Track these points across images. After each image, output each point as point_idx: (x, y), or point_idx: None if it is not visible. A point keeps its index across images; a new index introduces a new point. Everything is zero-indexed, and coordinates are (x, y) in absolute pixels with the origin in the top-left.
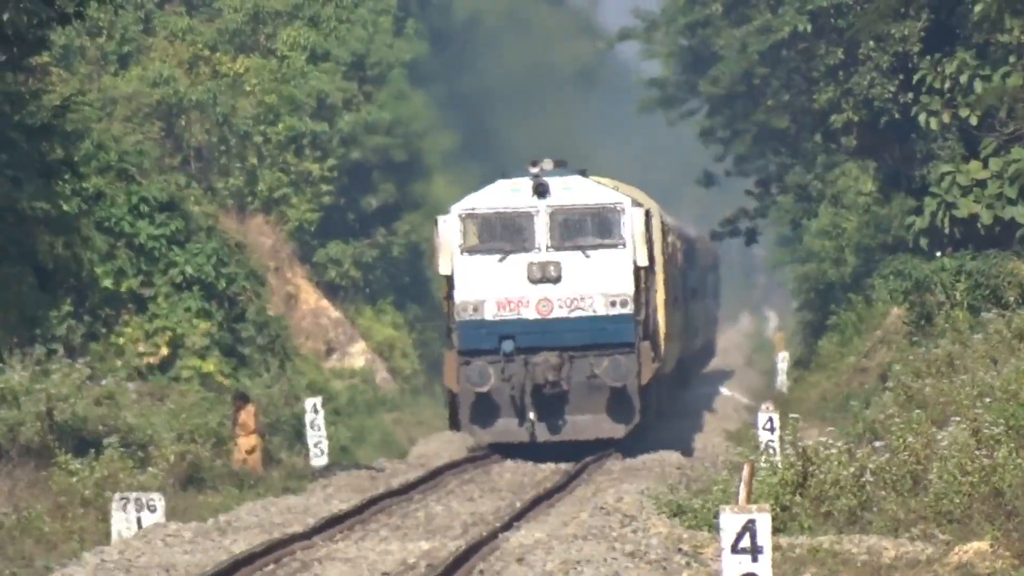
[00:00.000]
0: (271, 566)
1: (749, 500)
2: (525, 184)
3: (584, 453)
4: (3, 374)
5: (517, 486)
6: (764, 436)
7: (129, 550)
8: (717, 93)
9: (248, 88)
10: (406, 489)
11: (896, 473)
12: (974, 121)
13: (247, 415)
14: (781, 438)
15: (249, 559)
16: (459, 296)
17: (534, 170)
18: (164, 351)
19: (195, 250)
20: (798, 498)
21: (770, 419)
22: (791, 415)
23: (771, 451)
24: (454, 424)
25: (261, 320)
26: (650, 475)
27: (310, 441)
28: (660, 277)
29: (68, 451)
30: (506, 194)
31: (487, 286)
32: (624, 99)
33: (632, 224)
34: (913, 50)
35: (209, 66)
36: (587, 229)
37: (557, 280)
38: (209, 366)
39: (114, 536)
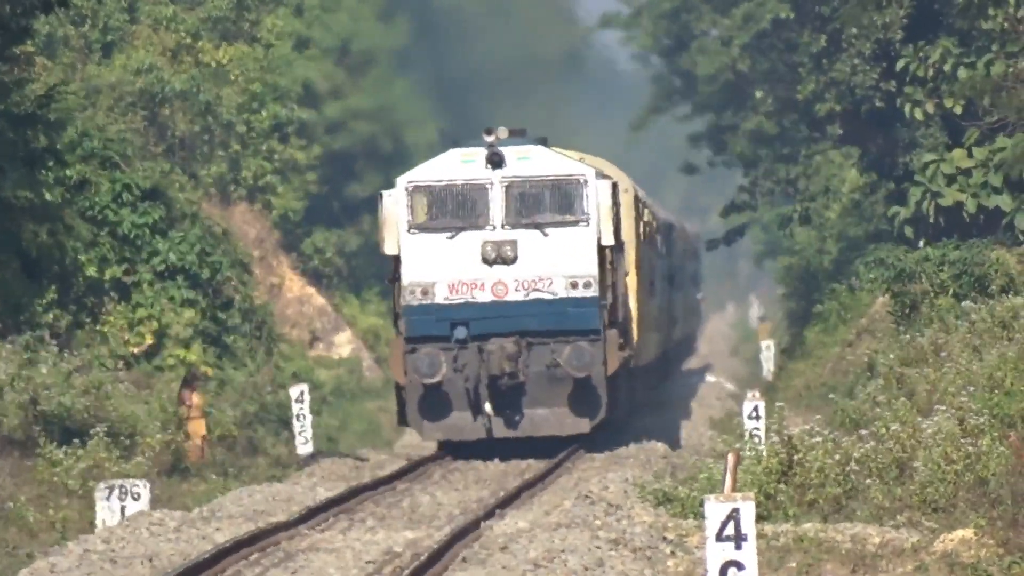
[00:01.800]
0: (256, 555)
1: (734, 489)
2: (479, 154)
3: (545, 450)
4: None
5: (501, 475)
6: (749, 424)
7: (113, 539)
8: (705, 92)
9: (232, 77)
10: (391, 478)
11: (881, 461)
12: (958, 110)
13: (199, 397)
14: (766, 426)
15: (234, 548)
16: (406, 278)
17: (488, 138)
18: (148, 340)
19: (179, 238)
20: (783, 486)
21: (755, 407)
22: (776, 403)
23: (756, 439)
24: (401, 419)
25: (246, 308)
26: (635, 463)
27: (295, 429)
28: (632, 258)
29: (52, 440)
30: (457, 165)
31: (437, 267)
32: (606, 85)
33: (597, 198)
34: (895, 37)
35: (192, 55)
36: (546, 204)
37: (513, 260)
38: (193, 355)
39: (98, 525)
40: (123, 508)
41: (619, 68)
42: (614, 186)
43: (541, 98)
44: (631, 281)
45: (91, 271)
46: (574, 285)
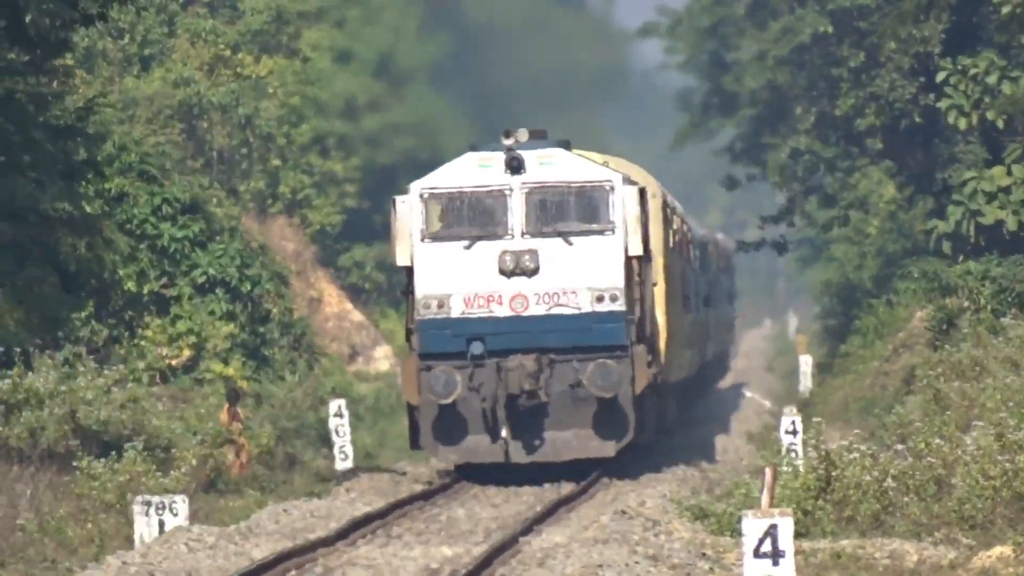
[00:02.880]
0: (294, 571)
1: (772, 504)
2: (497, 158)
3: (568, 476)
4: (27, 376)
5: (539, 490)
6: (787, 440)
7: (151, 554)
8: (746, 113)
9: (271, 90)
10: (429, 494)
11: (919, 478)
12: (1001, 124)
13: (241, 414)
14: (804, 442)
15: (272, 564)
16: (420, 290)
17: (507, 142)
18: (187, 353)
19: (218, 252)
20: (821, 502)
21: (793, 422)
22: (814, 419)
23: (794, 455)
24: (414, 442)
25: (285, 322)
26: (672, 479)
27: (334, 444)
28: (660, 268)
29: (91, 454)
30: (474, 170)
31: (452, 278)
32: (645, 99)
33: (624, 205)
34: (934, 51)
35: (231, 67)
36: (569, 211)
37: (534, 271)
38: (231, 369)
39: (136, 540)
40: (161, 523)
41: (658, 81)
42: (642, 192)
43: (579, 111)
44: (659, 293)
45: (130, 285)
46: (599, 299)
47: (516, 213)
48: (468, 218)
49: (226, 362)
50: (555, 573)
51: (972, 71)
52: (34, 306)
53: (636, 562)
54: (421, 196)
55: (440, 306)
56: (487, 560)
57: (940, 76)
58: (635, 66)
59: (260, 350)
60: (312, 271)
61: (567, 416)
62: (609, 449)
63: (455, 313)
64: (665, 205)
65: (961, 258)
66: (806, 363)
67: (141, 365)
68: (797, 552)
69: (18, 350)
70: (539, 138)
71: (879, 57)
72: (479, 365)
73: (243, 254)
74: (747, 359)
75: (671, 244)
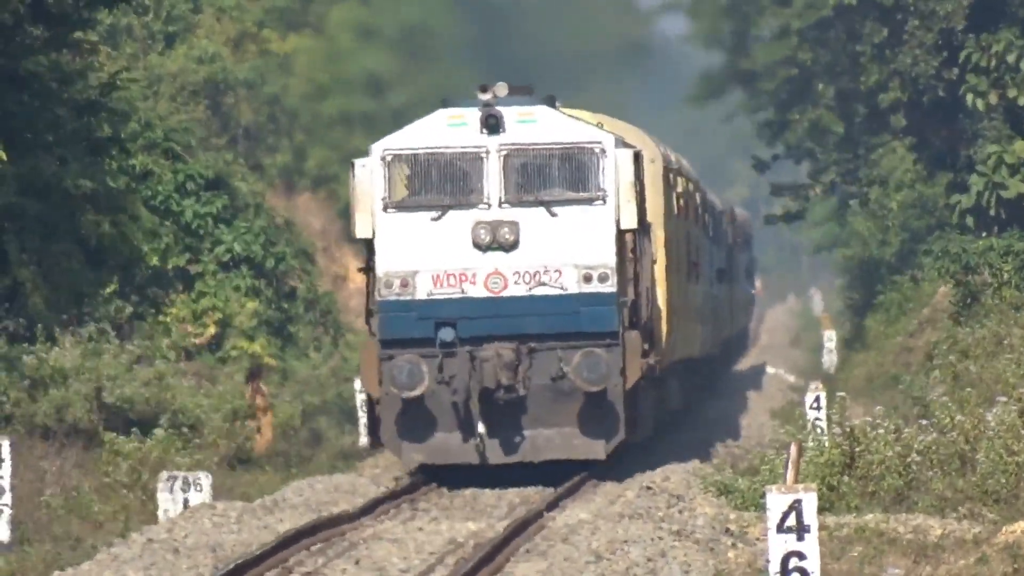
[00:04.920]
0: (319, 545)
1: (796, 480)
2: (471, 116)
3: (553, 478)
4: (53, 353)
5: (564, 465)
6: (811, 415)
7: (176, 529)
8: (765, 88)
9: (297, 67)
10: (454, 469)
11: (943, 453)
12: (1022, 101)
13: (265, 390)
14: (828, 417)
15: (296, 538)
16: (381, 267)
17: (483, 96)
18: (212, 330)
19: (242, 228)
20: (845, 477)
21: (817, 398)
22: (838, 394)
23: (818, 430)
24: (374, 439)
25: (310, 298)
26: (696, 454)
27: (360, 421)
28: (660, 243)
29: (116, 431)
30: (445, 129)
31: (419, 254)
32: (668, 73)
33: (616, 171)
34: (958, 27)
35: (257, 44)
36: (554, 177)
37: (513, 246)
38: (256, 346)
39: (161, 516)
40: (186, 499)
41: (681, 56)
42: (637, 156)
43: (602, 86)
44: (659, 270)
45: (154, 260)
46: (587, 278)
47: (493, 179)
48: (437, 184)
49: (251, 339)
50: (579, 549)
51: (993, 49)
52: (59, 282)
53: (660, 538)
54: (383, 159)
55: (404, 285)
56: (510, 535)
57: (963, 55)
58: (658, 41)
59: (285, 327)
60: (338, 247)
61: (549, 413)
62: (597, 450)
63: (421, 294)
64: (667, 171)
65: (984, 234)
66: (830, 339)
67: (166, 342)
68: (821, 527)
69: (41, 326)
70: (521, 93)
71: (902, 34)
72: (449, 354)
73: (268, 230)
74: (771, 335)
75: (675, 212)
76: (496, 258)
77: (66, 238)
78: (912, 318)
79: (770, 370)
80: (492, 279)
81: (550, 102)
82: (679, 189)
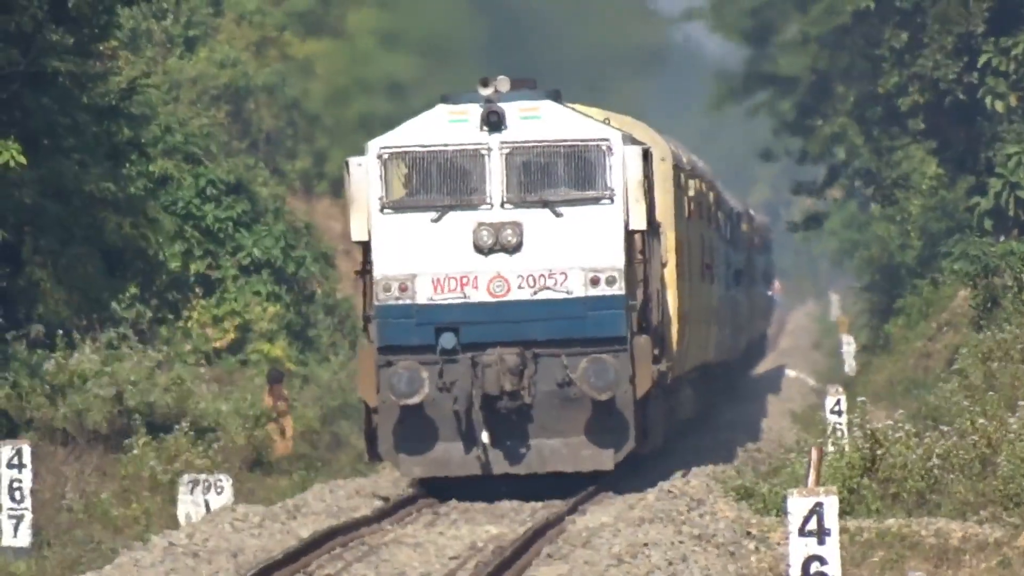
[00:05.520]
0: (339, 550)
1: (817, 483)
2: (472, 112)
3: (561, 490)
4: (73, 358)
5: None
6: (831, 419)
7: (197, 533)
8: (785, 105)
9: (318, 71)
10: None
11: (964, 457)
12: None
13: (286, 393)
14: (849, 421)
15: (317, 543)
16: (379, 270)
17: (485, 91)
18: (232, 335)
19: (262, 232)
20: (866, 481)
21: (838, 402)
22: (859, 398)
23: (839, 434)
24: (371, 451)
25: (330, 303)
26: (717, 458)
27: None
28: (671, 244)
29: (136, 435)
30: (444, 126)
31: (418, 256)
32: (687, 77)
33: (624, 169)
34: (977, 31)
35: (278, 48)
36: (559, 176)
37: (516, 248)
38: (277, 350)
39: (181, 519)
40: (206, 502)
41: (700, 59)
42: (646, 153)
43: (620, 90)
44: (670, 273)
45: (175, 264)
46: (594, 281)
47: (495, 178)
48: (437, 184)
49: (272, 343)
50: (600, 552)
51: (1013, 52)
52: (78, 287)
53: (681, 541)
54: (380, 157)
55: (403, 289)
56: (531, 539)
57: (983, 59)
58: (678, 43)
59: (305, 331)
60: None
61: (556, 421)
62: (606, 460)
63: (421, 298)
64: (678, 169)
65: (1003, 237)
66: (848, 343)
67: (187, 347)
68: (842, 531)
69: (60, 332)
70: (524, 88)
71: (921, 37)
72: (450, 360)
73: (288, 235)
74: (791, 338)
75: (687, 214)
76: (499, 261)
77: (84, 242)
78: (932, 322)
79: (791, 373)
80: (495, 283)
81: (555, 97)
82: (691, 188)
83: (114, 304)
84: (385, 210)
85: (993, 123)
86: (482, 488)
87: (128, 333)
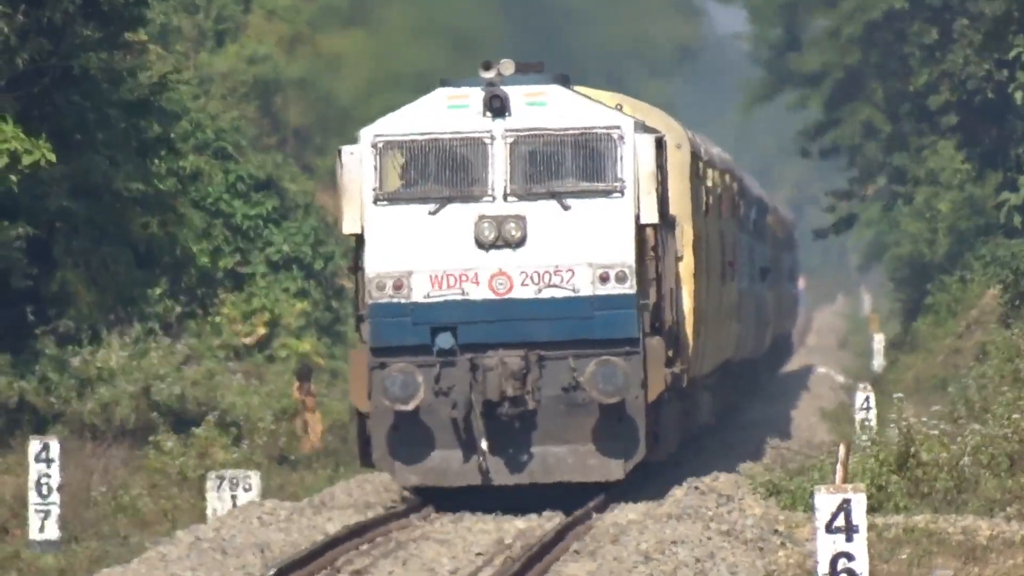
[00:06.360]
0: (366, 545)
1: (845, 480)
2: (474, 97)
3: (566, 502)
4: (100, 353)
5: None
6: (860, 415)
7: (224, 528)
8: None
9: (348, 66)
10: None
11: (992, 453)
12: None
13: (315, 389)
14: (880, 418)
15: (345, 538)
16: (372, 267)
17: (487, 75)
18: (261, 331)
19: (292, 229)
20: (896, 478)
21: (867, 399)
22: (895, 395)
23: (868, 431)
24: (364, 458)
25: None
26: (745, 454)
27: None
28: (687, 238)
29: (164, 430)
30: (444, 112)
31: (414, 252)
32: (719, 76)
33: (636, 159)
34: (1008, 28)
35: (308, 43)
36: (566, 166)
37: (520, 243)
38: (305, 346)
39: (209, 514)
40: (234, 498)
41: (732, 56)
42: (659, 142)
43: (651, 87)
44: (686, 269)
45: (204, 260)
46: (603, 278)
47: (497, 168)
48: (435, 174)
49: (300, 339)
50: (628, 549)
51: None
52: (108, 284)
53: (709, 538)
54: (374, 145)
55: (398, 287)
56: (559, 535)
57: (1012, 53)
58: (711, 41)
59: (334, 326)
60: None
61: (561, 428)
62: (615, 470)
63: (417, 296)
64: (695, 157)
65: None
66: (879, 341)
67: (216, 342)
68: (870, 527)
69: (86, 327)
70: (530, 71)
71: (952, 34)
72: (448, 363)
73: (317, 231)
74: (819, 336)
75: (705, 206)
76: (501, 256)
77: (115, 239)
78: (960, 320)
79: (820, 370)
80: (496, 280)
81: (563, 81)
82: (710, 179)
83: (144, 300)
84: (379, 202)
85: (1023, 119)
86: (481, 499)
87: (155, 328)
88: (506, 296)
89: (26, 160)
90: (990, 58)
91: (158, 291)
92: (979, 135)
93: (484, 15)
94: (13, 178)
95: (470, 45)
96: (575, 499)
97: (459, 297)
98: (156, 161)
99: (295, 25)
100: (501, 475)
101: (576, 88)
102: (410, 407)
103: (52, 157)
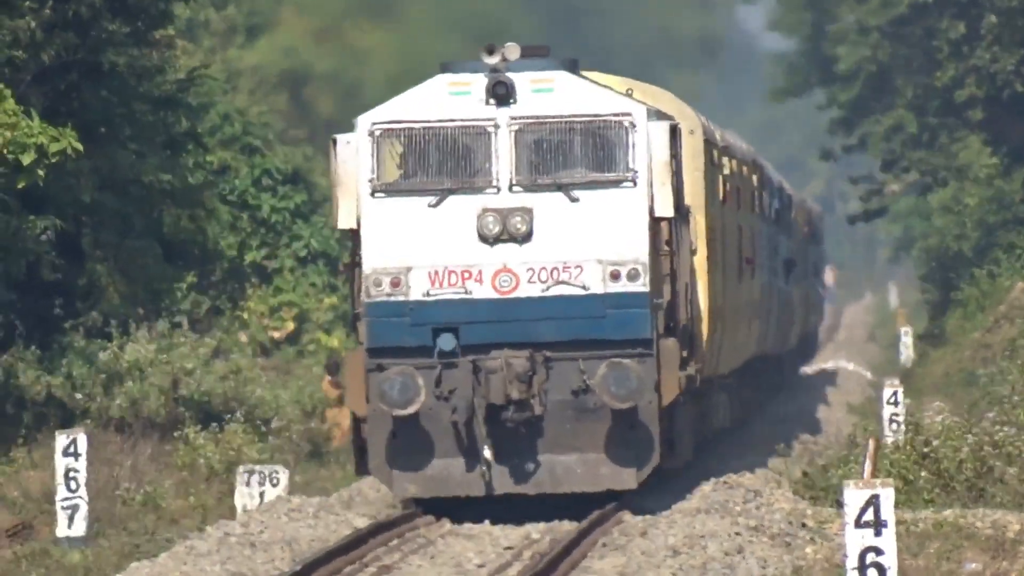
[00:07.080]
0: (395, 541)
1: (874, 475)
2: (477, 83)
3: (575, 511)
4: (128, 347)
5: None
6: (888, 411)
7: (252, 523)
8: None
9: (374, 59)
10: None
11: (1020, 445)
12: None
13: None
14: (907, 413)
15: (373, 533)
16: (369, 263)
17: (491, 60)
18: (290, 325)
19: (321, 223)
20: (923, 473)
21: (894, 394)
22: (930, 402)
23: (896, 426)
24: (360, 466)
25: None
26: (773, 449)
27: None
28: (701, 230)
29: (192, 425)
30: (445, 98)
31: (414, 247)
32: (745, 70)
33: (649, 148)
34: None
35: (338, 37)
36: (575, 156)
37: (526, 238)
38: (334, 340)
39: (238, 510)
40: (262, 493)
41: (758, 50)
42: (674, 129)
43: (677, 80)
44: (699, 263)
45: (231, 252)
46: (615, 276)
47: (502, 158)
48: (436, 164)
49: (328, 334)
50: (656, 543)
51: None
52: (136, 277)
53: (738, 533)
54: (371, 133)
55: (396, 284)
56: (587, 530)
57: None
58: (735, 36)
59: None
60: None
61: (570, 435)
62: (628, 479)
63: (416, 294)
64: (710, 145)
65: None
66: (906, 335)
67: (244, 337)
68: (898, 522)
69: (114, 322)
70: (536, 55)
71: (979, 29)
72: (449, 365)
73: None
74: (848, 331)
75: (721, 195)
76: (506, 252)
77: (143, 233)
78: (989, 314)
79: (848, 366)
80: (501, 277)
81: (571, 66)
82: (726, 167)
83: (172, 294)
84: (376, 194)
85: None
86: (484, 510)
87: (183, 322)
88: (511, 294)
89: (53, 148)
90: (1018, 53)
91: (186, 285)
92: (1007, 130)
93: (508, 7)
94: (40, 172)
95: (494, 37)
96: (584, 509)
97: (461, 295)
98: (184, 155)
99: (325, 18)
100: (505, 485)
101: (584, 73)
102: (409, 412)
103: (79, 146)
